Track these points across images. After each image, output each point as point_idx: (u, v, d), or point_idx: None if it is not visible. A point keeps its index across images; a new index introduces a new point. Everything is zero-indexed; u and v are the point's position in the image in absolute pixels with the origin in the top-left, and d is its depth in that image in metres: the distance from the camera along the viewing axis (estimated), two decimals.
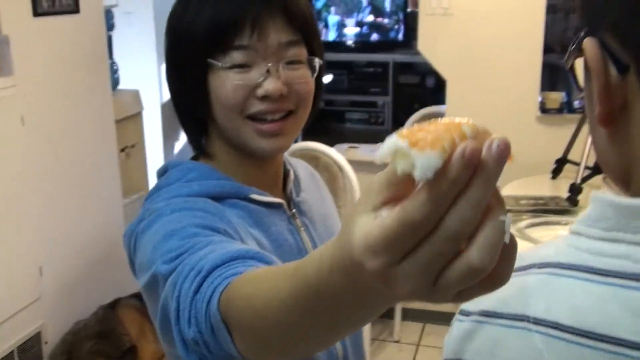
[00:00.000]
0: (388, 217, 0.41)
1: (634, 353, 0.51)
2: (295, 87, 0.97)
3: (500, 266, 0.41)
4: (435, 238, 0.40)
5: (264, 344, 0.66)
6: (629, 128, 0.56)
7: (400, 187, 0.42)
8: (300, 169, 1.17)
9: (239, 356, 0.69)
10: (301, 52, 0.97)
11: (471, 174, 0.39)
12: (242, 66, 0.94)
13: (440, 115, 3.60)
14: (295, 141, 1.64)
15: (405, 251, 0.41)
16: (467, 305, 0.66)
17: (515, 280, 0.61)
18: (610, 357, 0.52)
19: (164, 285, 0.81)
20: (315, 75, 1.00)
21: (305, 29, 0.97)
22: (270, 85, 0.94)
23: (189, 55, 0.96)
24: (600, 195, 0.58)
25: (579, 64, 0.62)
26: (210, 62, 0.95)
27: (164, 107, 4.26)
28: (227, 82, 0.94)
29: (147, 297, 0.92)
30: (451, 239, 0.40)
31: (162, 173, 1.04)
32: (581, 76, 0.62)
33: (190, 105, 1.01)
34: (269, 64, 0.94)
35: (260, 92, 0.94)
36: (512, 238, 0.42)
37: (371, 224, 0.42)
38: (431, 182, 0.39)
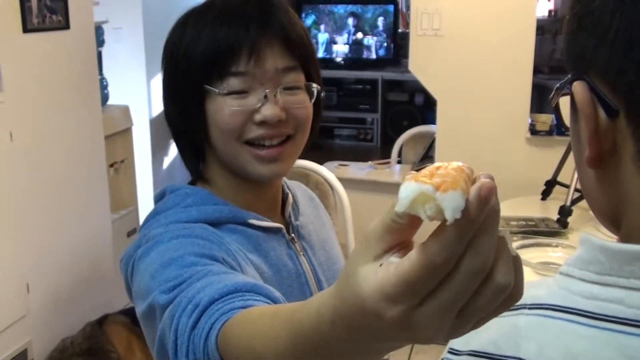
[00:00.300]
0: (405, 262, 0.41)
1: None
2: (293, 112, 0.97)
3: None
4: (457, 277, 0.41)
5: None
6: (619, 171, 0.57)
7: (400, 234, 0.43)
8: (299, 192, 1.17)
9: None
10: (299, 77, 0.98)
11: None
12: (240, 92, 0.94)
13: (431, 133, 3.63)
14: None
15: (425, 294, 0.41)
16: (456, 344, 0.65)
17: (506, 321, 0.61)
18: None
19: (161, 315, 0.81)
20: (313, 100, 1.00)
21: (303, 55, 0.98)
22: (268, 111, 0.94)
23: (187, 81, 0.96)
24: (590, 238, 0.58)
25: (563, 102, 0.63)
26: (207, 89, 0.95)
27: (152, 122, 4.25)
28: (224, 108, 0.94)
29: (145, 324, 0.91)
30: (475, 274, 0.41)
31: (159, 197, 1.04)
32: (566, 114, 0.63)
33: (187, 130, 1.01)
34: (267, 90, 0.94)
35: (258, 117, 0.94)
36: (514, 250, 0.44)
37: (382, 272, 0.42)
38: (454, 223, 0.39)
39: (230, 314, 0.70)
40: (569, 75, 0.59)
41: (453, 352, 0.65)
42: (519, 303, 0.60)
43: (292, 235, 1.07)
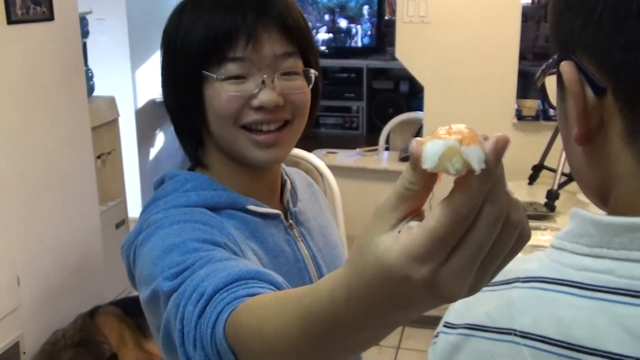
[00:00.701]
0: (430, 220, 0.43)
1: None
2: (291, 97, 0.97)
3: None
4: (479, 226, 0.43)
5: None
6: (606, 147, 0.58)
7: (414, 201, 0.45)
8: (297, 178, 1.17)
9: None
10: (297, 63, 0.98)
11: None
12: (238, 77, 0.95)
13: (418, 120, 3.64)
14: None
15: (450, 250, 0.43)
16: (451, 318, 0.67)
17: (500, 294, 0.63)
18: None
19: (165, 302, 0.81)
20: (311, 86, 1.00)
21: (301, 40, 0.98)
22: (265, 97, 0.94)
23: (185, 67, 0.97)
24: (580, 211, 0.60)
25: (548, 81, 0.64)
26: (205, 74, 0.95)
27: (138, 113, 4.23)
28: (222, 93, 0.95)
29: (148, 311, 0.91)
30: (495, 222, 0.43)
31: (159, 184, 1.04)
32: (552, 94, 0.65)
33: (186, 116, 1.01)
34: (264, 75, 0.95)
35: (255, 102, 0.95)
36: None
37: (405, 236, 0.43)
38: (476, 175, 0.42)
39: (235, 303, 0.71)
40: (555, 55, 0.61)
41: (448, 325, 0.67)
42: (512, 276, 0.62)
43: (290, 221, 1.08)
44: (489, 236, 0.43)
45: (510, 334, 0.60)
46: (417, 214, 0.45)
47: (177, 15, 0.99)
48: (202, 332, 0.72)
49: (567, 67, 0.58)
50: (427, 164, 0.42)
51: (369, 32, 6.75)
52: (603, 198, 0.62)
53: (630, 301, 0.54)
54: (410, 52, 3.14)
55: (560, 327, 0.57)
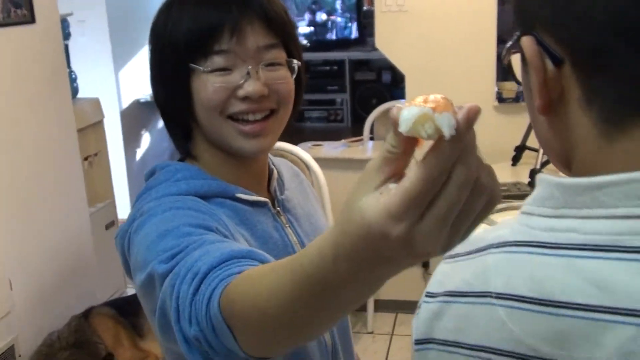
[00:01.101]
0: (405, 181, 0.46)
1: (588, 314, 0.57)
2: (275, 87, 1.01)
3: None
4: (449, 187, 0.47)
5: (268, 338, 0.69)
6: (567, 115, 0.62)
7: (396, 164, 0.49)
8: (284, 168, 1.21)
9: (241, 352, 0.72)
10: (280, 54, 1.01)
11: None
12: (223, 69, 0.98)
13: None
14: None
15: (424, 208, 0.47)
16: (432, 288, 0.70)
17: (476, 261, 0.66)
18: (568, 321, 0.57)
19: (161, 285, 0.84)
20: (294, 76, 1.04)
21: (283, 32, 1.02)
22: (250, 87, 0.98)
23: (173, 61, 1.00)
24: (546, 176, 0.63)
25: (514, 59, 0.68)
26: (192, 67, 0.98)
27: (123, 114, 4.23)
28: (208, 85, 0.98)
29: (143, 295, 0.94)
30: (464, 184, 0.47)
31: (150, 175, 1.07)
32: (518, 70, 0.68)
33: (175, 109, 1.04)
34: (249, 67, 0.98)
35: (241, 93, 0.98)
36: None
37: (384, 196, 0.47)
38: (447, 140, 0.45)
39: (229, 279, 0.73)
40: (518, 32, 0.64)
41: (430, 295, 0.70)
42: (486, 244, 0.66)
43: (278, 208, 1.11)
44: (459, 196, 0.47)
45: (486, 296, 0.63)
46: (399, 177, 0.49)
47: (164, 12, 1.02)
48: (197, 309, 0.75)
49: (527, 42, 0.62)
50: (402, 128, 0.46)
51: (349, 24, 6.77)
52: (568, 164, 0.66)
53: (594, 255, 0.58)
54: (390, 42, 3.17)
55: (531, 284, 0.60)
